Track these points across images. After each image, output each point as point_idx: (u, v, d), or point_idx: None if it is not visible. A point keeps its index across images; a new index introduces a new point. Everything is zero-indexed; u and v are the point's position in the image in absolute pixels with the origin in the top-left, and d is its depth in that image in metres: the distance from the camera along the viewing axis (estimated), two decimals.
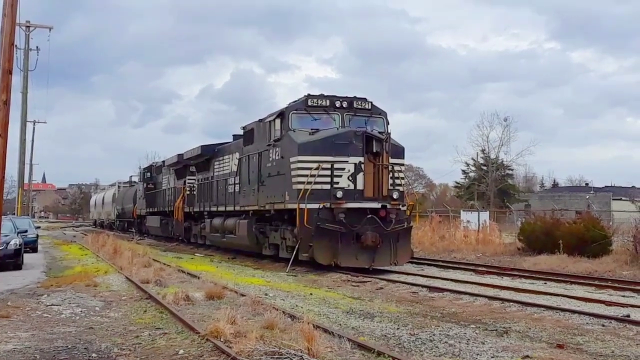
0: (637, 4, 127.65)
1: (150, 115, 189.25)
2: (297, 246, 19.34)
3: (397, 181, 19.82)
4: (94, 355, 8.25)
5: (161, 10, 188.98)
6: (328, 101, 20.32)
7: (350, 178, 19.03)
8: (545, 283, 17.46)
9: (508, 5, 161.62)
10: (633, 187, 68.58)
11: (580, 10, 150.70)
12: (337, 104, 20.30)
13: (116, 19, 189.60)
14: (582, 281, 17.60)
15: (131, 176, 61.45)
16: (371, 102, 20.79)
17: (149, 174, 43.35)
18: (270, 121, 21.10)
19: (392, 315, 11.55)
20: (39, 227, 40.33)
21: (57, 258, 25.40)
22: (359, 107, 20.53)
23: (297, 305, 12.31)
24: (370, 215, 18.85)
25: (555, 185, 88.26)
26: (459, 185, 70.87)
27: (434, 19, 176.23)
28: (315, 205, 18.69)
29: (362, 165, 19.03)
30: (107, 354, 8.34)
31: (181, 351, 8.34)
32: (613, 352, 8.83)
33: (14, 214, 43.58)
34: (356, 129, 19.44)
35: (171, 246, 33.45)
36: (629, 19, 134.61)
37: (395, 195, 19.41)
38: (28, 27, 43.38)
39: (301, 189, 18.79)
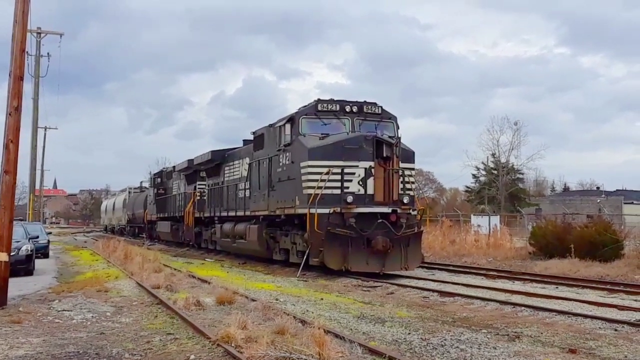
0: None
1: (163, 122, 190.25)
2: (307, 251, 19.33)
3: (408, 185, 19.76)
4: None
5: (174, 19, 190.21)
6: (338, 106, 20.29)
7: (361, 183, 19.00)
8: (556, 287, 17.39)
9: (518, 12, 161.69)
10: None
11: (590, 15, 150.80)
12: (347, 108, 20.25)
13: (130, 27, 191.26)
14: (594, 285, 17.51)
15: (142, 182, 61.55)
16: (381, 107, 20.74)
17: (159, 179, 43.46)
18: (280, 126, 21.12)
19: (403, 320, 11.51)
20: (50, 233, 40.54)
21: (68, 264, 25.50)
22: (369, 111, 20.49)
23: (307, 310, 12.29)
24: (380, 220, 18.82)
25: (566, 189, 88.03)
26: (470, 189, 70.63)
27: (444, 25, 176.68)
28: (326, 210, 18.67)
29: (373, 170, 18.99)
30: (119, 359, 8.35)
31: (192, 356, 8.34)
32: (626, 356, 8.77)
33: (24, 219, 43.81)
34: (366, 134, 19.41)
35: (182, 251, 33.50)
36: (638, 25, 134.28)
37: (405, 199, 19.35)
38: (39, 33, 43.51)
39: (311, 194, 18.78)
